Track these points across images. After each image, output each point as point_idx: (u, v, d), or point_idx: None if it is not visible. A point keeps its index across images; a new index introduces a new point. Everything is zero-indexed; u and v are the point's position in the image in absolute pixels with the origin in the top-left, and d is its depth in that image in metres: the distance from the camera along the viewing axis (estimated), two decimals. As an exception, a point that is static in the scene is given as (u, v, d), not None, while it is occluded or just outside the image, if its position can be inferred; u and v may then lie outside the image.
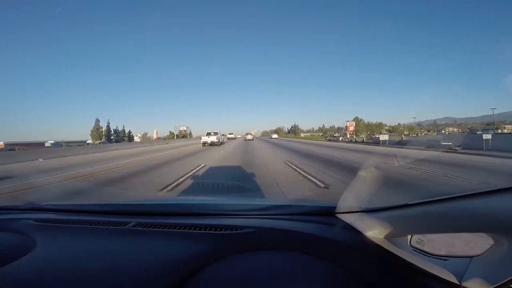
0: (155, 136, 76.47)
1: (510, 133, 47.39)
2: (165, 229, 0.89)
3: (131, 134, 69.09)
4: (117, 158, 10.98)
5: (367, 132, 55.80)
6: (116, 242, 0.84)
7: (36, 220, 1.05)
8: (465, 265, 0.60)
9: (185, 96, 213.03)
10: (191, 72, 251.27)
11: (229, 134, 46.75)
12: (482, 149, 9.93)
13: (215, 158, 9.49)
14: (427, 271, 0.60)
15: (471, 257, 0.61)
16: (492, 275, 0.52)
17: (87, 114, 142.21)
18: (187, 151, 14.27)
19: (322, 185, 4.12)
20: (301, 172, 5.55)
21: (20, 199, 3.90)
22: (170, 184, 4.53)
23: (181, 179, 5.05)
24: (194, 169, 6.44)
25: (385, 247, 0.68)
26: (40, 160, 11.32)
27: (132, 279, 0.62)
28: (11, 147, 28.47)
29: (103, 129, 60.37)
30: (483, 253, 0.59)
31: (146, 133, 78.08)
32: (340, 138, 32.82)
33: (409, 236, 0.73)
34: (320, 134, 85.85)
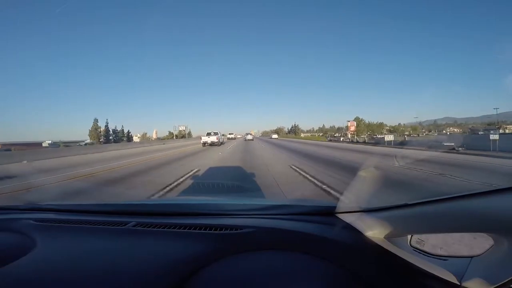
0: (154, 136, 76.56)
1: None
2: (165, 229, 0.89)
3: (130, 134, 68.92)
4: (115, 158, 10.88)
5: (368, 132, 55.80)
6: (116, 242, 0.84)
7: (36, 220, 1.05)
8: (465, 265, 0.59)
9: (185, 96, 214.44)
10: (191, 72, 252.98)
11: (229, 134, 46.71)
12: (489, 150, 9.69)
13: (215, 158, 9.49)
14: (427, 271, 0.60)
15: (471, 257, 0.61)
16: (492, 275, 0.52)
17: (86, 114, 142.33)
18: (187, 151, 14.25)
19: (322, 185, 4.11)
20: (301, 172, 5.54)
21: (20, 199, 3.90)
22: (170, 184, 4.53)
23: (181, 179, 5.05)
24: (194, 169, 6.44)
25: (385, 247, 0.68)
26: (24, 162, 10.21)
27: (132, 279, 0.62)
28: (7, 148, 28.10)
29: (101, 129, 60.16)
30: (483, 253, 0.59)
31: (146, 133, 78.20)
32: (341, 139, 32.77)
33: (409, 236, 0.73)
34: (321, 134, 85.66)
